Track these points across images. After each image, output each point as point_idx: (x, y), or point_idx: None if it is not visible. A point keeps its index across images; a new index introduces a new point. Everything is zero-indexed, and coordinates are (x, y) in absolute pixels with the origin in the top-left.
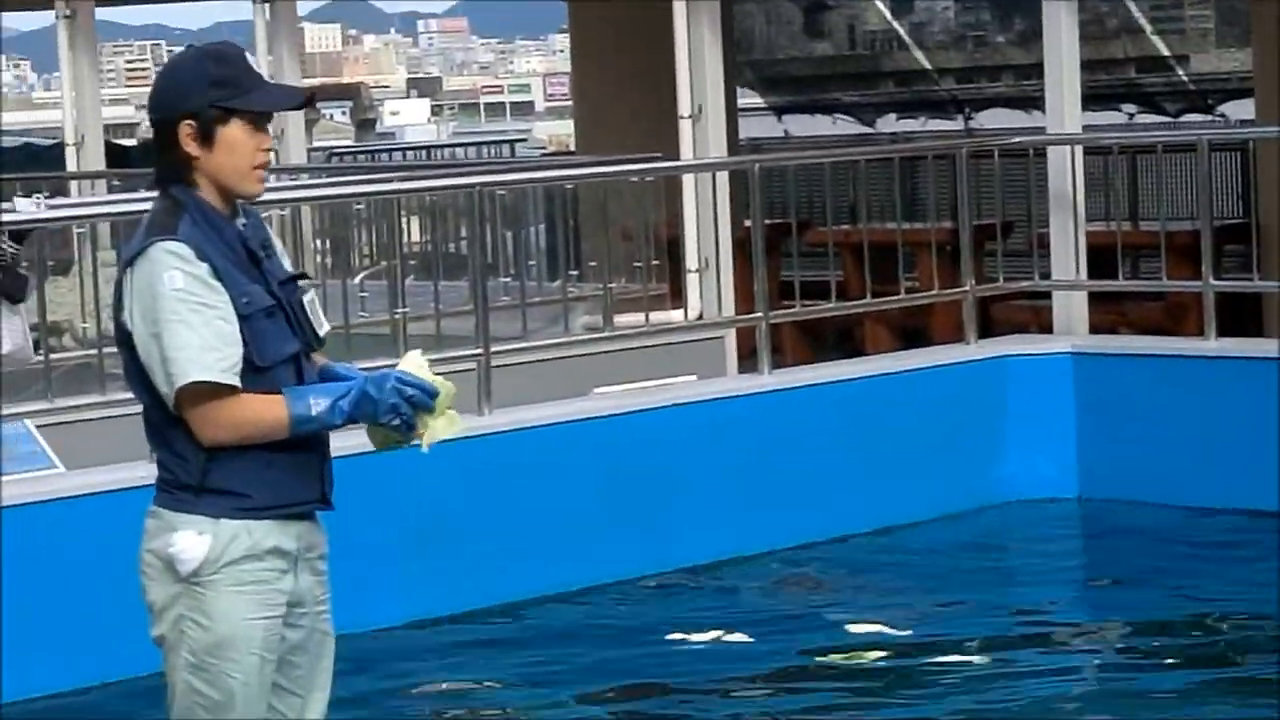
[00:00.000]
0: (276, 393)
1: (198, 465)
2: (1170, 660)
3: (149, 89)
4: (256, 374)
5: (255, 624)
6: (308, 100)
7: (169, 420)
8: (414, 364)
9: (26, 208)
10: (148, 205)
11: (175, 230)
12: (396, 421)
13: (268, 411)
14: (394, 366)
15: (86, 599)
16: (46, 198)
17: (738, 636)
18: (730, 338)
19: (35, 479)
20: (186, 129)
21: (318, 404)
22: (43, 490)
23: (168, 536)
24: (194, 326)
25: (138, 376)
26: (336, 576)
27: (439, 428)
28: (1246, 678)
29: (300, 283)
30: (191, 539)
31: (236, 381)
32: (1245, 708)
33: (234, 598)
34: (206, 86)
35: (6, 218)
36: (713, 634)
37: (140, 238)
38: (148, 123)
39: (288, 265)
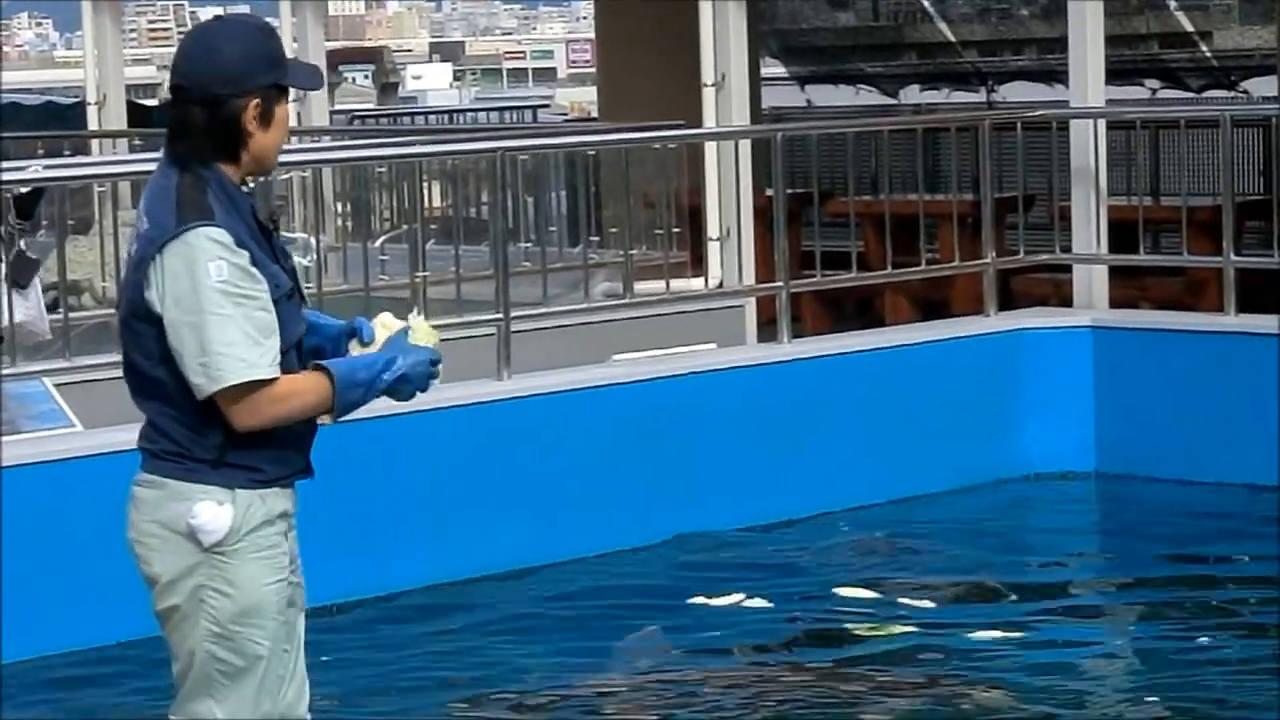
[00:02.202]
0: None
1: (215, 442)
2: (1186, 633)
3: (194, 61)
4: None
5: (273, 588)
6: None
7: (192, 399)
8: (426, 334)
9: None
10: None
11: (210, 212)
12: (412, 398)
13: (308, 398)
14: (406, 329)
15: (102, 558)
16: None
17: (757, 602)
18: (750, 306)
19: (52, 437)
20: (254, 107)
21: (358, 388)
22: (60, 449)
23: (185, 506)
24: (237, 321)
25: (160, 355)
26: (356, 540)
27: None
28: (1265, 651)
29: (290, 249)
30: (214, 510)
31: (279, 373)
32: (1265, 680)
33: (256, 564)
34: (269, 64)
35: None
36: (735, 597)
37: (172, 218)
38: (185, 98)
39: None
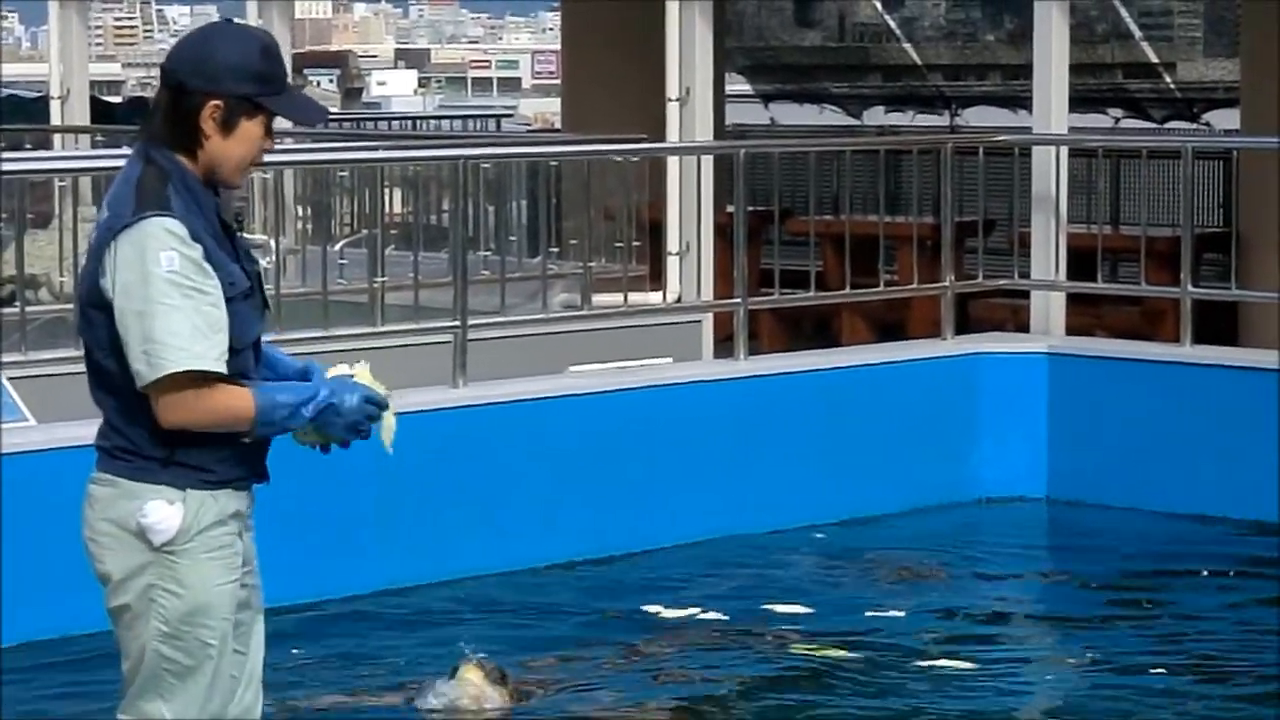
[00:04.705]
0: (244, 376)
1: (165, 441)
2: (1132, 661)
3: (183, 48)
4: (231, 356)
5: (225, 588)
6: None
7: (143, 395)
8: (368, 378)
9: None
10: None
11: (168, 204)
12: (350, 436)
13: (236, 408)
14: (350, 377)
15: (55, 553)
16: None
17: (712, 615)
18: (708, 322)
19: (5, 431)
20: (212, 108)
21: (281, 408)
22: (13, 443)
23: (135, 505)
24: (186, 312)
25: (111, 345)
26: (310, 544)
27: (390, 427)
28: (1208, 678)
29: (254, 253)
30: (165, 509)
31: (224, 369)
32: (1213, 711)
33: (207, 564)
34: (249, 76)
35: None
36: (689, 610)
37: (130, 207)
38: (163, 80)
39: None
